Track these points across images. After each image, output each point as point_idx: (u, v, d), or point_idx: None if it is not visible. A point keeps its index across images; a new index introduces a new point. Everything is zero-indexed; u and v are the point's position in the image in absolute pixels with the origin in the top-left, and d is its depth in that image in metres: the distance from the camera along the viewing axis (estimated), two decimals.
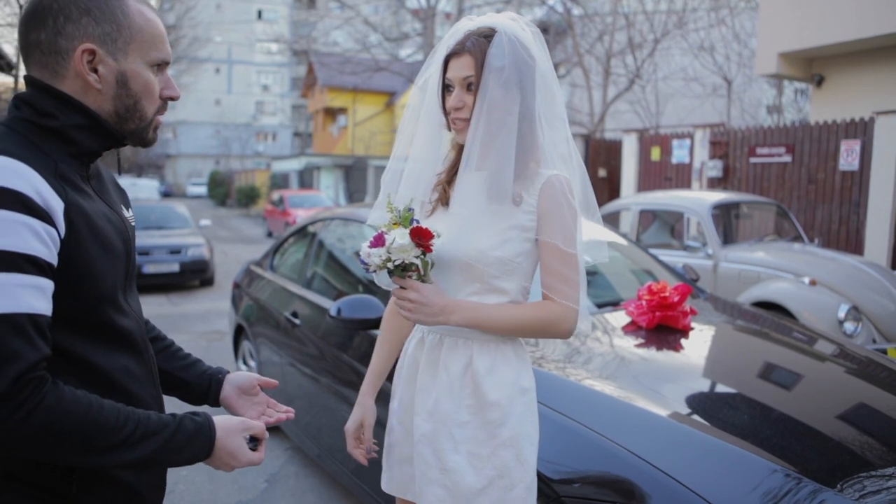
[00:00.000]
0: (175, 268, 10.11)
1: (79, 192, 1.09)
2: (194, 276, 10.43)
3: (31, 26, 1.09)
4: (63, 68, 1.10)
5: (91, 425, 1.02)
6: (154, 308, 8.95)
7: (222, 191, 38.30)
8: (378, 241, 1.41)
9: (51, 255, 1.01)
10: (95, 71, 1.11)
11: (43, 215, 1.00)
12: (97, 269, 1.09)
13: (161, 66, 1.18)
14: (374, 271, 1.44)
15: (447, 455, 1.50)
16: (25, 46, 1.11)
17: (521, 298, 1.54)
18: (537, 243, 1.50)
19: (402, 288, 1.46)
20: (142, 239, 10.33)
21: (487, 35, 1.47)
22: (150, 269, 9.93)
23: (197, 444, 1.13)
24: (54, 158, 1.07)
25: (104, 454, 1.03)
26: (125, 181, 22.62)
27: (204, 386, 1.41)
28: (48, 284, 1.01)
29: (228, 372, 1.45)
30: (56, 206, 1.02)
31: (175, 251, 10.22)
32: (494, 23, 1.49)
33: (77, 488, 1.09)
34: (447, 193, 1.57)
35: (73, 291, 1.06)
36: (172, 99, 1.22)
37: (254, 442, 1.23)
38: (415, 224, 1.42)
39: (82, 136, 1.12)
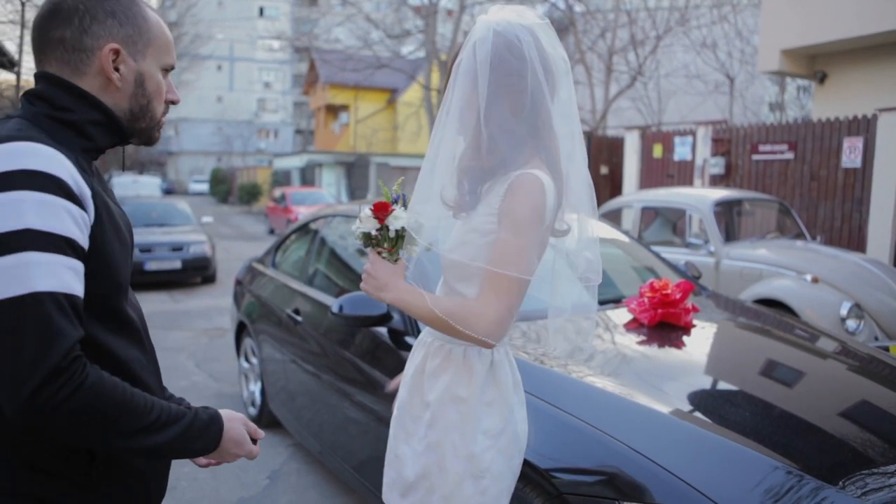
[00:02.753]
0: (177, 265, 10.11)
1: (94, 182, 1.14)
2: (196, 273, 10.44)
3: (54, 25, 1.12)
4: (86, 65, 1.14)
5: (125, 407, 1.05)
6: (156, 305, 8.96)
7: (224, 188, 38.32)
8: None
9: (84, 239, 1.05)
10: (117, 70, 1.16)
11: (77, 200, 1.04)
12: (115, 258, 1.13)
13: (167, 70, 1.25)
14: (357, 239, 1.52)
15: (399, 443, 1.59)
16: (45, 43, 1.14)
17: None
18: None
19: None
20: (144, 236, 10.34)
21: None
22: (152, 265, 9.94)
23: (211, 433, 1.19)
24: (72, 150, 1.11)
25: (132, 437, 1.06)
26: (127, 178, 22.65)
27: None
28: (82, 268, 1.04)
29: None
30: (86, 192, 1.07)
31: (177, 248, 10.23)
32: (485, 20, 1.44)
33: (96, 476, 1.12)
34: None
35: (95, 277, 1.08)
36: (174, 102, 1.28)
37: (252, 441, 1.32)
38: (396, 203, 1.47)
39: (96, 131, 1.16)
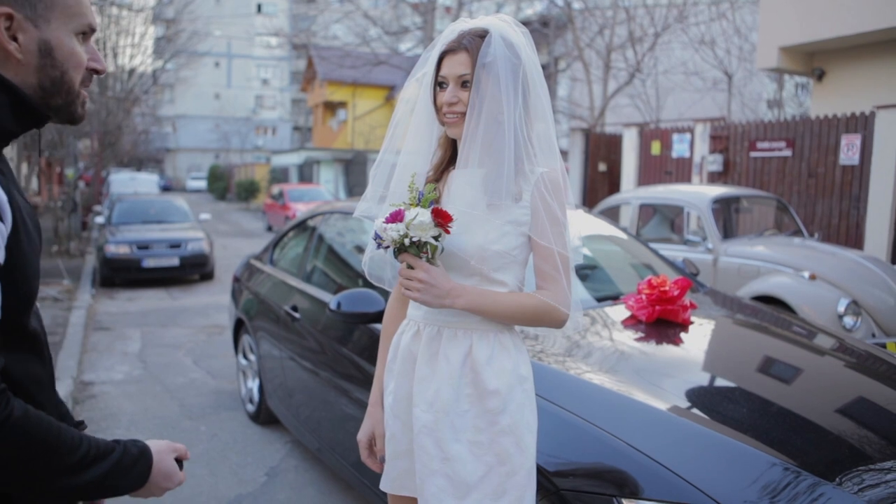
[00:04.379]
0: (175, 262, 10.11)
1: (5, 179, 0.99)
2: (194, 270, 10.43)
3: None
4: None
5: (53, 444, 0.95)
6: (154, 302, 8.95)
7: (222, 185, 38.25)
8: (396, 217, 1.43)
9: (1, 253, 0.93)
10: (15, 39, 1.00)
11: None
12: (30, 270, 1.00)
13: (86, 34, 1.09)
14: (387, 247, 1.46)
15: (448, 444, 1.52)
16: None
17: (516, 289, 1.58)
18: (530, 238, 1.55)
19: (409, 268, 1.48)
20: (142, 233, 10.35)
21: (482, 35, 1.52)
22: (149, 263, 9.94)
23: (140, 468, 1.09)
24: None
25: (59, 478, 0.96)
26: (125, 175, 22.49)
27: None
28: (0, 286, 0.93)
29: None
30: (3, 198, 0.93)
31: (175, 245, 10.23)
32: (487, 24, 1.55)
33: None
34: (437, 192, 1.60)
35: (7, 292, 0.95)
36: (97, 72, 1.11)
37: (178, 462, 1.22)
38: (434, 206, 1.45)
39: (3, 114, 1.01)
